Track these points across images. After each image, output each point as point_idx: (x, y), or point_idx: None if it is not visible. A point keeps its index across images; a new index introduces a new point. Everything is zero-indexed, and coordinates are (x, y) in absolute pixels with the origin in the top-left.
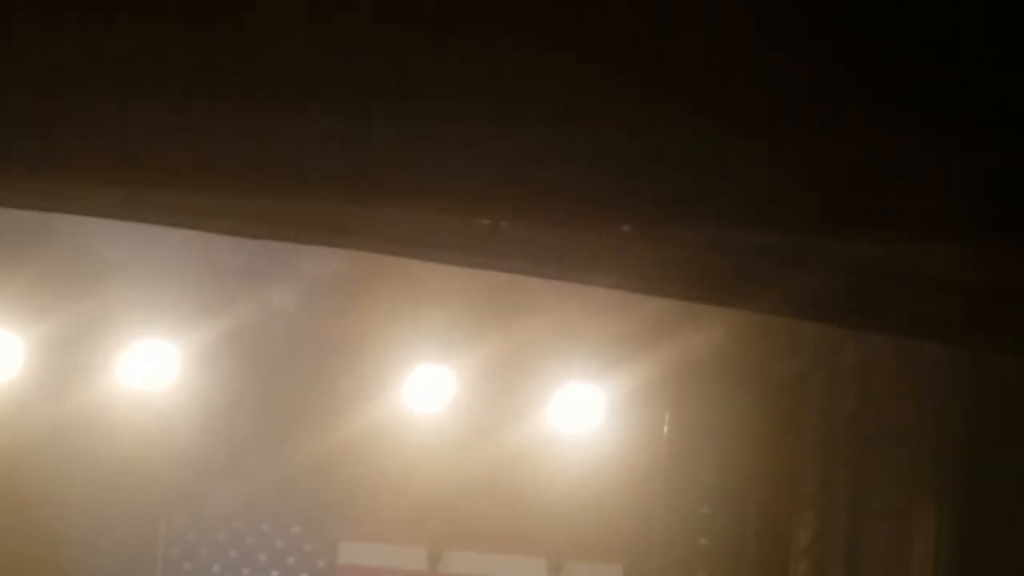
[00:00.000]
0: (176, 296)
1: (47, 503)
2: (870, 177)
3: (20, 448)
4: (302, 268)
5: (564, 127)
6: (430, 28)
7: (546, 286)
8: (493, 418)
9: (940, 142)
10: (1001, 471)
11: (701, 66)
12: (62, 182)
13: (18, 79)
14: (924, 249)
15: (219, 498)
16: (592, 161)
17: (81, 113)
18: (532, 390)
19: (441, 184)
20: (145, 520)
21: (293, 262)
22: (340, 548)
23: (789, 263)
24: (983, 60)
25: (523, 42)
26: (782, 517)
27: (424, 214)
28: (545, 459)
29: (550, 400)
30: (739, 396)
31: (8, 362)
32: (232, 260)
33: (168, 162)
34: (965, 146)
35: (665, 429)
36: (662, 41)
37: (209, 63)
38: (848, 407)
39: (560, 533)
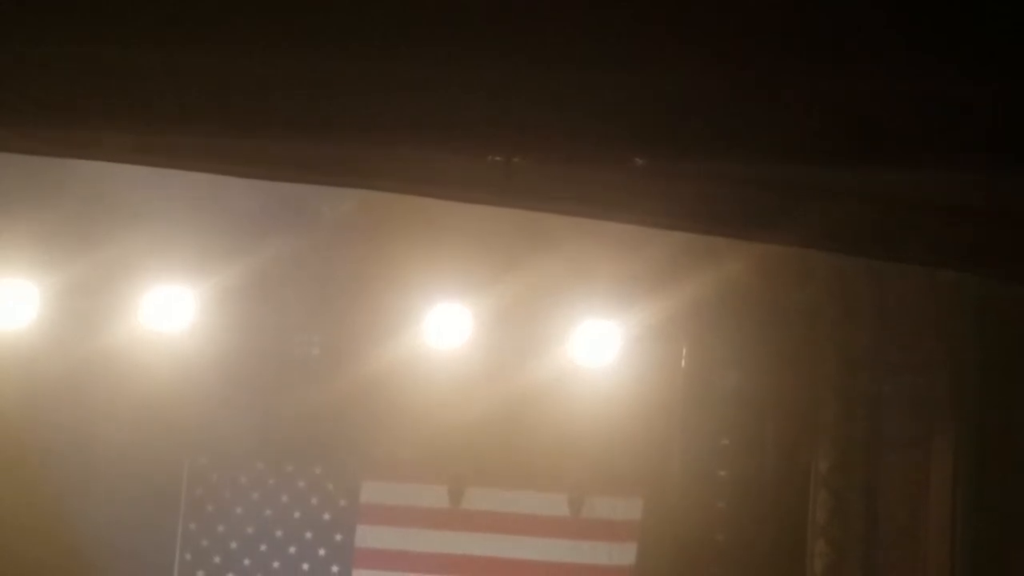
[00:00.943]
0: (193, 240)
1: (68, 448)
2: (883, 107)
3: (43, 392)
4: (318, 211)
5: (576, 65)
6: None
7: (563, 224)
8: (512, 356)
9: (952, 71)
10: (1018, 399)
11: (714, 3)
12: (75, 127)
13: (29, 27)
14: (939, 177)
15: (241, 440)
16: (605, 98)
17: (93, 58)
18: (551, 327)
19: (455, 123)
20: (168, 463)
21: (310, 205)
22: (362, 487)
23: (804, 194)
24: None
25: None
26: (801, 447)
27: (438, 152)
28: (564, 395)
29: (569, 337)
30: (756, 329)
31: (25, 308)
32: (248, 203)
33: (181, 106)
34: (978, 73)
35: (683, 363)
36: None
37: (221, 6)
38: (865, 337)
39: (580, 468)
